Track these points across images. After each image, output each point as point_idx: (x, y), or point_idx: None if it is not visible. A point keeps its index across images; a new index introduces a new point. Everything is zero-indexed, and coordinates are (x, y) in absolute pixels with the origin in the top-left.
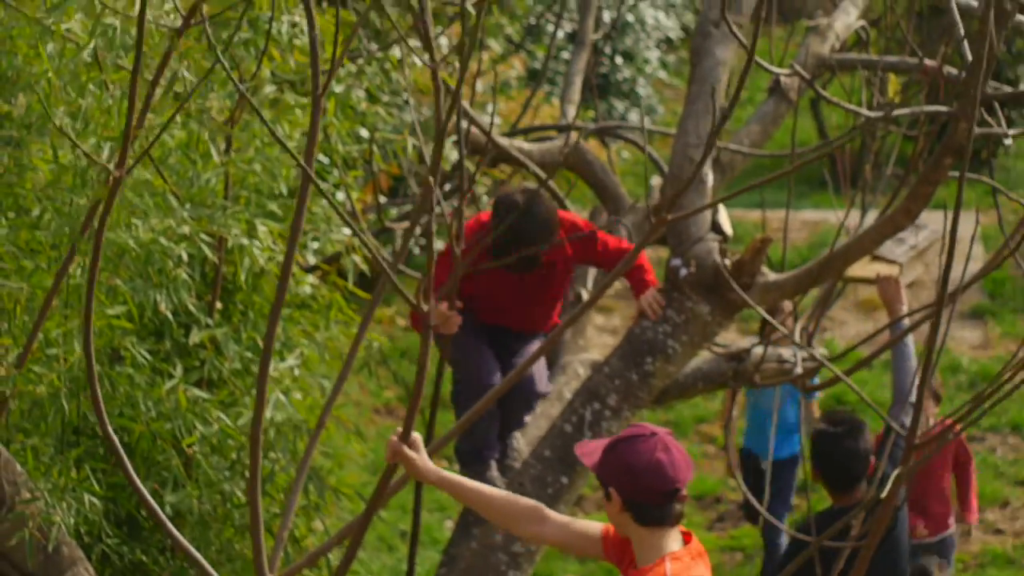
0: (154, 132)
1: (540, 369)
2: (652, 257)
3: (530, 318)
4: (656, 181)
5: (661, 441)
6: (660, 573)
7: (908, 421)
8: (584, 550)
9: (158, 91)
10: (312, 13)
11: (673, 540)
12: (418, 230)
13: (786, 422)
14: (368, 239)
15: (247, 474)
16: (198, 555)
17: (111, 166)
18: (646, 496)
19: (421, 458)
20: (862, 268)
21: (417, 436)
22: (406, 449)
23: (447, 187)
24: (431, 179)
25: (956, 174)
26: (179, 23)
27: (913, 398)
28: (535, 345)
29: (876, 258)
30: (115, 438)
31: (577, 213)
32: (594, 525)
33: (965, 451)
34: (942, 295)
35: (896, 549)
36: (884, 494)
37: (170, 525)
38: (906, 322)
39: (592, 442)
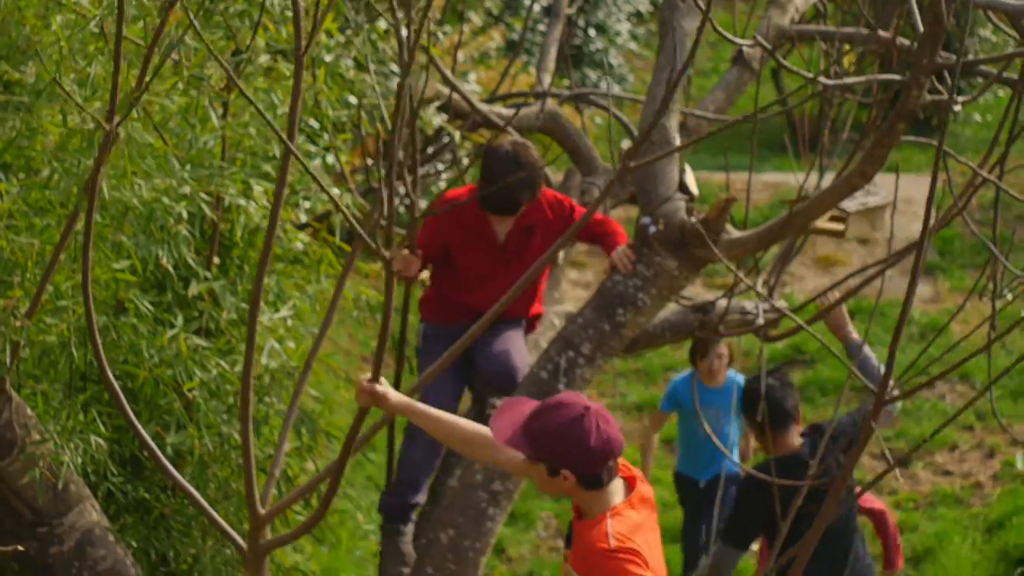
0: (153, 96)
1: (523, 359)
2: (623, 216)
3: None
4: (626, 144)
5: (597, 415)
6: (601, 531)
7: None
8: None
9: (155, 58)
10: None
11: (616, 493)
12: (402, 190)
13: (726, 440)
14: (355, 198)
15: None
16: (195, 493)
17: (103, 120)
18: (597, 467)
19: (391, 393)
20: (819, 222)
21: (383, 379)
22: (376, 387)
23: (430, 150)
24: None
25: (907, 138)
26: None
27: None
28: (512, 332)
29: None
30: (115, 384)
31: (552, 174)
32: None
33: (873, 512)
34: (922, 244)
35: (846, 520)
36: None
37: (169, 466)
38: (859, 280)
39: (504, 423)
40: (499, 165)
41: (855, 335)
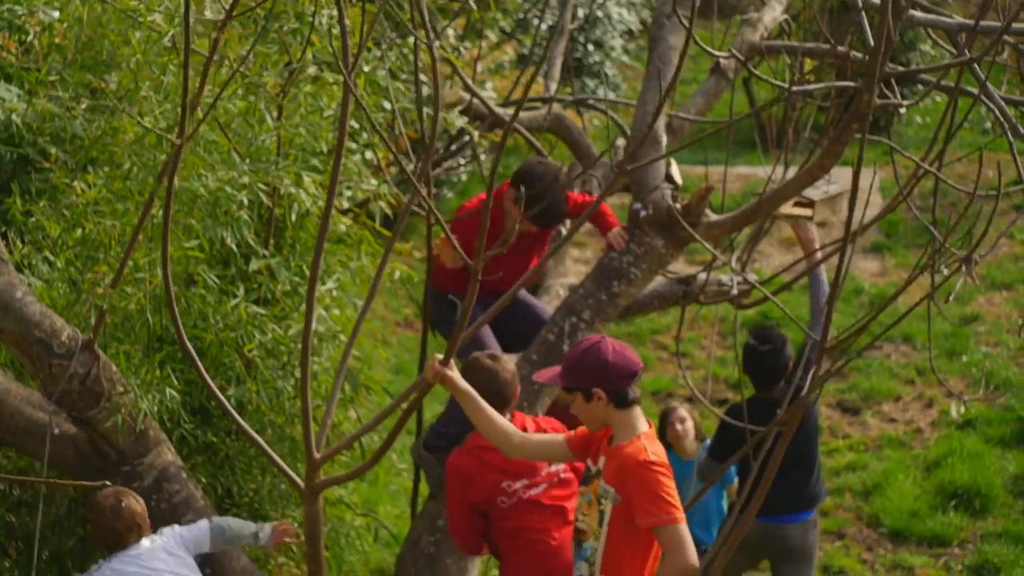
0: (218, 103)
1: (544, 307)
2: (616, 203)
3: (519, 276)
4: (620, 142)
5: (610, 341)
6: (638, 447)
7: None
8: (556, 456)
9: (220, 71)
10: (343, 8)
11: (642, 420)
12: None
13: (707, 512)
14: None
15: (297, 373)
16: (257, 437)
17: (174, 137)
18: (621, 382)
19: (457, 376)
20: (785, 208)
21: (453, 362)
22: (447, 370)
23: (453, 147)
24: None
25: (859, 137)
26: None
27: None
28: (531, 298)
29: (797, 201)
30: (189, 345)
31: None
32: (558, 436)
33: None
34: (847, 232)
35: (810, 437)
36: (804, 392)
37: (235, 413)
38: (819, 255)
39: (544, 372)
40: (546, 185)
41: (818, 253)
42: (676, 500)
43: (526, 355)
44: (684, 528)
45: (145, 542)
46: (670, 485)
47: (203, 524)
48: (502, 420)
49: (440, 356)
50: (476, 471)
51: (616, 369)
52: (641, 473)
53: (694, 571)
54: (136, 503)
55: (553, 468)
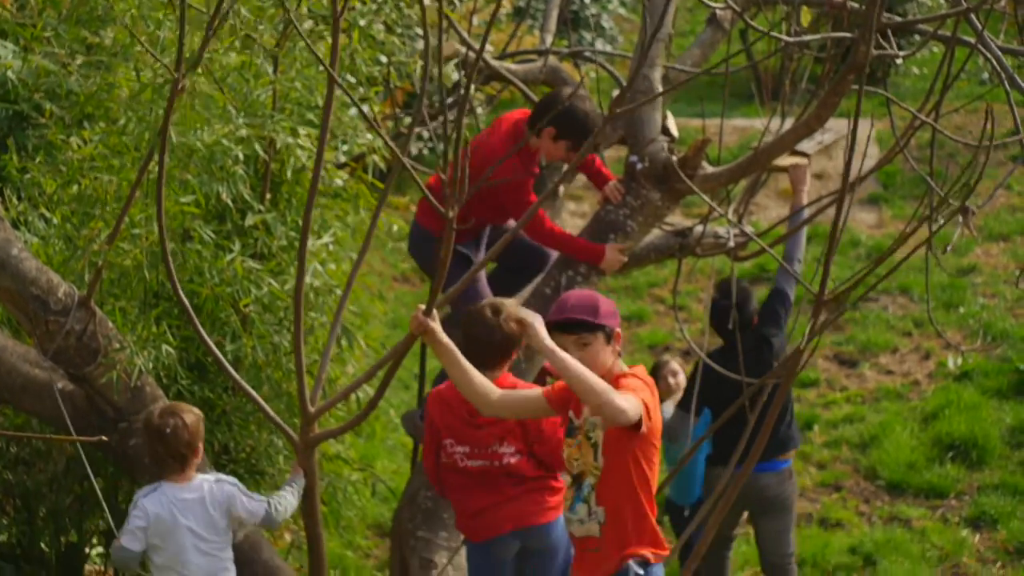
0: (215, 55)
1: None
2: (614, 156)
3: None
4: (616, 93)
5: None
6: (639, 370)
7: (789, 281)
8: (533, 412)
9: (218, 25)
10: None
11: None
12: (426, 134)
13: (697, 467)
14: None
15: (292, 328)
16: (253, 392)
17: (168, 89)
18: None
19: (439, 329)
20: (781, 160)
21: (434, 312)
22: (429, 321)
23: (449, 100)
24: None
25: (856, 88)
26: None
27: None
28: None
29: (792, 152)
30: (186, 300)
31: None
32: (534, 391)
33: None
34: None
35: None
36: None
37: (231, 369)
38: (809, 208)
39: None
40: (591, 117)
41: (804, 199)
42: (643, 400)
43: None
44: (633, 400)
45: (193, 480)
46: (640, 389)
47: (262, 504)
48: (481, 378)
49: (423, 307)
50: (435, 413)
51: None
52: (616, 380)
53: (607, 407)
54: (183, 429)
55: (504, 449)
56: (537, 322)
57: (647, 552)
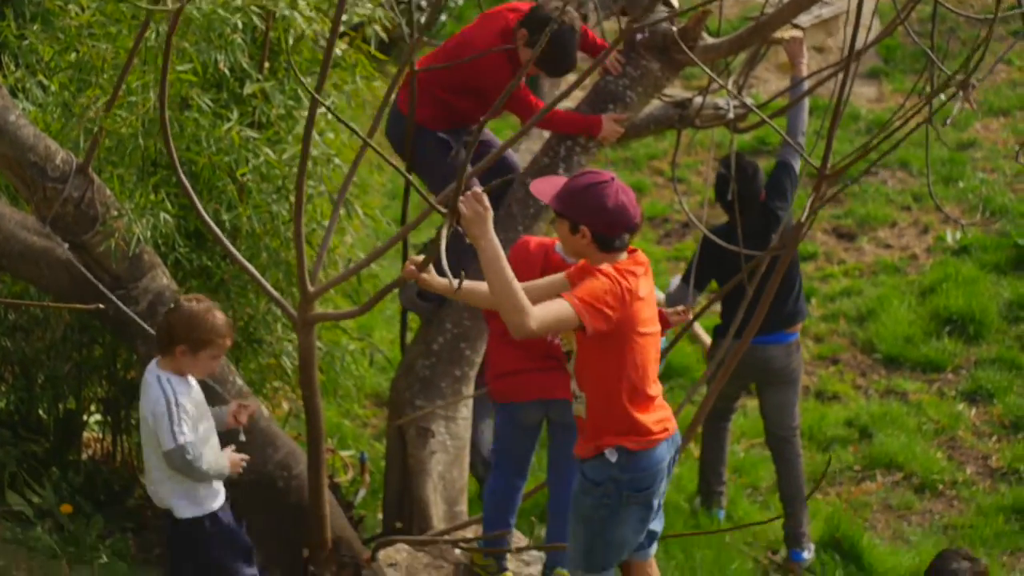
0: None
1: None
2: (614, 28)
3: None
4: None
5: (619, 185)
6: (625, 261)
7: (793, 155)
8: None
9: None
10: None
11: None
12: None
13: None
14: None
15: (291, 198)
16: (250, 266)
17: None
18: (610, 229)
19: (433, 276)
20: (777, 33)
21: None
22: (423, 274)
23: None
24: None
25: None
26: None
27: (803, 138)
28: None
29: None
30: (182, 172)
31: None
32: (559, 276)
33: None
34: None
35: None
36: (804, 216)
37: (226, 241)
38: (809, 81)
39: (543, 181)
40: (572, 44)
41: (803, 71)
42: (600, 302)
43: (520, 178)
44: (563, 306)
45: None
46: (606, 288)
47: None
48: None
49: (419, 259)
50: (514, 262)
51: (610, 216)
52: (590, 271)
53: (519, 329)
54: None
55: None
56: (431, 276)
57: (626, 441)
